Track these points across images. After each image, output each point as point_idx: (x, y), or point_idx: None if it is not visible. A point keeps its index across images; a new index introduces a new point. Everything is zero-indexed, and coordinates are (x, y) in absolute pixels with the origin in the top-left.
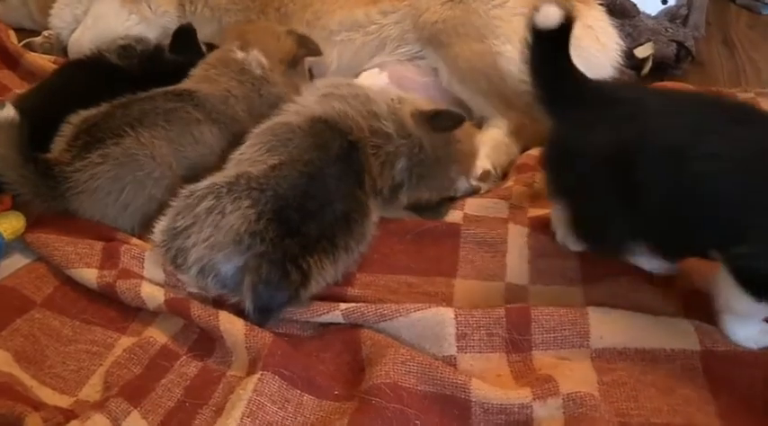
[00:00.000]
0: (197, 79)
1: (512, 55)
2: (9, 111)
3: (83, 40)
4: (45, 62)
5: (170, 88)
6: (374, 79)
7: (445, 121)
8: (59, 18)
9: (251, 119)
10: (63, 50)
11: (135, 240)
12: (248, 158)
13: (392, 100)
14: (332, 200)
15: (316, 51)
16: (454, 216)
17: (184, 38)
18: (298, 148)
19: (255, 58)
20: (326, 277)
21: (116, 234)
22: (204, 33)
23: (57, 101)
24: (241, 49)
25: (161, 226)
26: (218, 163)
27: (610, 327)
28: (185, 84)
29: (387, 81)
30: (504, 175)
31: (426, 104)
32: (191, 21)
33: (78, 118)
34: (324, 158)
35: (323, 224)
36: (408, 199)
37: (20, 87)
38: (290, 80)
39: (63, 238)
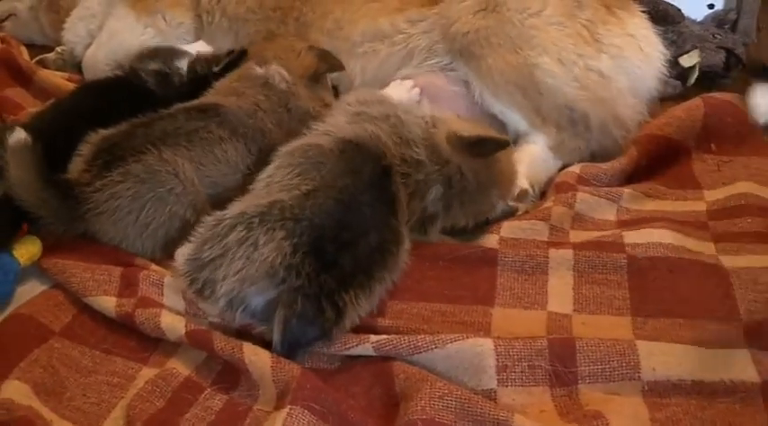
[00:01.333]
0: (224, 91)
1: (549, 67)
2: (20, 134)
3: (98, 56)
4: (58, 79)
5: (195, 103)
6: (403, 93)
7: (488, 147)
8: (73, 33)
9: (280, 132)
10: (77, 66)
11: (154, 266)
12: (278, 182)
13: (426, 122)
14: (367, 230)
15: (337, 67)
16: (490, 240)
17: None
18: (330, 173)
19: (277, 72)
20: (361, 311)
21: (134, 259)
22: (221, 45)
23: (77, 119)
24: (259, 66)
25: (185, 253)
26: (243, 181)
27: (662, 358)
28: (211, 98)
29: (418, 98)
30: (543, 195)
31: (463, 126)
32: (207, 32)
33: (97, 137)
34: (357, 184)
35: (358, 256)
36: (442, 228)
37: (32, 105)
38: (315, 94)
39: (80, 264)
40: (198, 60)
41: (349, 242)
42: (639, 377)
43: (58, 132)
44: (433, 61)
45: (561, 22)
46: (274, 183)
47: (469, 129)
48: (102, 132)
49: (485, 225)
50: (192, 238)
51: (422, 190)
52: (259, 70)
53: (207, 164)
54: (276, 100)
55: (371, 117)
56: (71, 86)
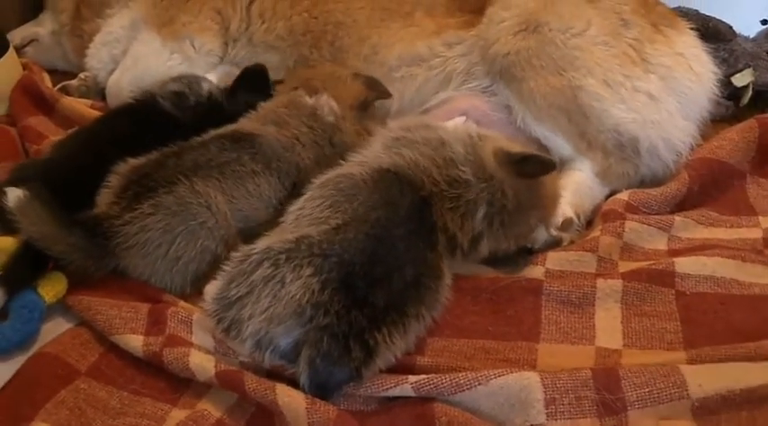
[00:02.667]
0: (264, 117)
1: (594, 89)
2: (16, 193)
3: (122, 82)
4: (81, 106)
5: (229, 130)
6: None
7: (534, 167)
8: (96, 59)
9: (318, 168)
10: (100, 93)
11: (183, 303)
12: (308, 215)
13: (470, 136)
14: (401, 265)
15: (385, 93)
16: (534, 271)
17: (254, 79)
18: (363, 206)
19: (327, 104)
20: (396, 350)
21: (163, 295)
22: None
23: (100, 149)
24: (309, 95)
25: (212, 292)
26: (276, 215)
27: (707, 373)
28: (248, 125)
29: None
30: (589, 224)
31: (511, 144)
32: (236, 60)
33: (126, 167)
34: (392, 217)
35: (391, 292)
36: (484, 255)
37: (55, 133)
38: (362, 125)
39: (106, 301)
40: (214, 88)
41: (381, 277)
42: (688, 394)
43: (82, 162)
44: (471, 84)
45: (606, 42)
46: (304, 217)
47: (517, 148)
48: (132, 162)
49: (528, 255)
50: (219, 275)
51: (472, 210)
52: (308, 100)
53: (239, 197)
54: (320, 132)
55: (411, 141)
56: (95, 114)
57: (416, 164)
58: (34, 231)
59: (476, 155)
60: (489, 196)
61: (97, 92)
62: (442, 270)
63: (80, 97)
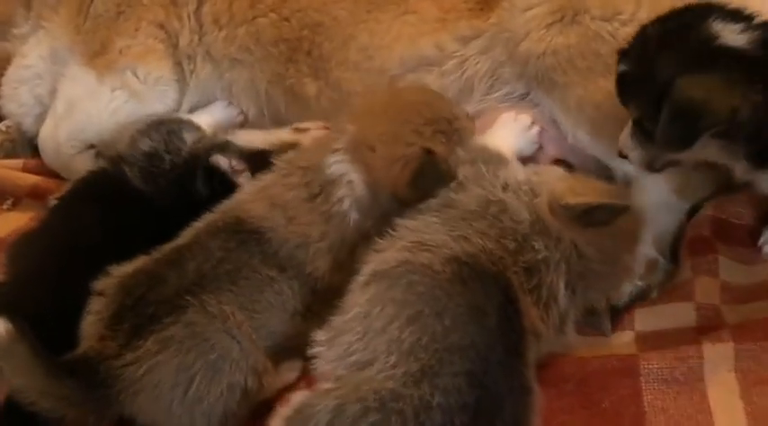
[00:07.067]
0: (263, 197)
1: None
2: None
3: (59, 137)
4: (13, 173)
5: (231, 218)
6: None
7: (602, 216)
8: (15, 101)
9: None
10: (31, 145)
11: None
12: (379, 328)
13: (525, 189)
14: (502, 404)
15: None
16: (623, 340)
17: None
18: (456, 331)
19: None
20: None
21: None
22: (209, 99)
23: (66, 254)
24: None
25: None
26: (304, 326)
27: None
28: (251, 207)
29: (536, 142)
30: (674, 254)
31: (567, 186)
32: (193, 84)
33: (113, 285)
34: (482, 334)
35: None
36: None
37: None
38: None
39: None
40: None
41: None
42: None
43: (44, 277)
44: (501, 92)
45: None
46: (375, 335)
47: (575, 188)
48: (117, 274)
49: (613, 315)
50: None
51: (554, 292)
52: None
53: (261, 310)
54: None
55: (465, 214)
56: (31, 179)
57: (491, 253)
58: (21, 385)
59: (536, 215)
60: (566, 265)
61: (26, 144)
62: (533, 385)
63: (6, 157)
